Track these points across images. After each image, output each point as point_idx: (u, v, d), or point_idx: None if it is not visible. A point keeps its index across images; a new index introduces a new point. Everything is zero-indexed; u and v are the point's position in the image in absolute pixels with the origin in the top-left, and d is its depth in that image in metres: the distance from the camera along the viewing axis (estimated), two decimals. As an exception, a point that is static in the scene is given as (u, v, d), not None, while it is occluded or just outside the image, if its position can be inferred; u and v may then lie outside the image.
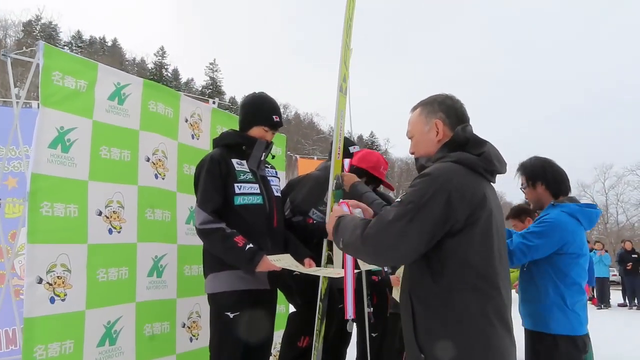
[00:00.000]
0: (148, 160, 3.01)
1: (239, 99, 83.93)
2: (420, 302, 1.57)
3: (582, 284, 2.61)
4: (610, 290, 13.34)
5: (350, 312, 2.28)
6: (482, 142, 1.67)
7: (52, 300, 2.39)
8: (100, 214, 2.68)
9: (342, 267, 2.30)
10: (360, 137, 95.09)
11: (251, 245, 2.38)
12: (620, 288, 13.80)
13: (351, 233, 1.62)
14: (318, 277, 2.51)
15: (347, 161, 2.91)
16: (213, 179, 2.47)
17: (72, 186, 2.55)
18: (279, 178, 2.93)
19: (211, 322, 2.53)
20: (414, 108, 1.84)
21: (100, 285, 2.64)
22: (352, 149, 3.20)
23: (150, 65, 68.08)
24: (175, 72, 72.01)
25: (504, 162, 1.71)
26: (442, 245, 1.51)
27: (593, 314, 11.78)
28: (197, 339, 3.25)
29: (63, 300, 2.44)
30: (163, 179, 3.11)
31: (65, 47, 61.30)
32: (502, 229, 1.69)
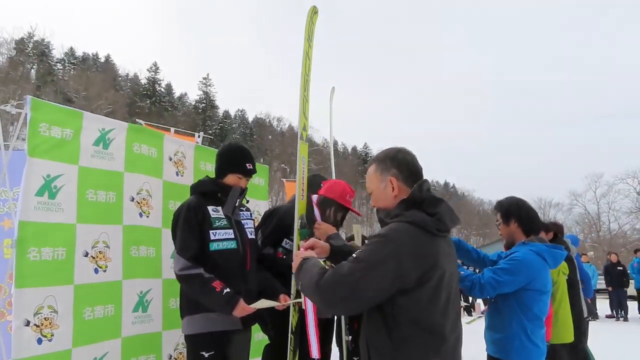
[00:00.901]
0: (132, 200, 3.15)
1: (233, 113, 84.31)
2: (376, 352, 1.71)
3: (543, 318, 2.77)
4: (597, 300, 13.49)
5: (314, 353, 2.42)
6: (437, 202, 1.78)
7: (39, 342, 2.51)
8: (86, 254, 2.81)
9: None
10: (354, 149, 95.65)
11: (228, 290, 2.52)
12: (608, 298, 13.92)
13: (309, 279, 1.73)
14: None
15: (314, 197, 3.05)
16: (190, 227, 2.62)
17: (60, 230, 2.68)
18: (253, 220, 3.08)
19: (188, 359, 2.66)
20: (370, 163, 1.98)
21: (87, 324, 2.76)
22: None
23: (143, 81, 68.20)
24: (169, 87, 72.16)
25: (456, 219, 1.83)
26: (395, 301, 1.64)
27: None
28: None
29: (50, 340, 2.57)
30: (147, 216, 3.25)
31: (58, 64, 61.53)
32: (455, 277, 1.83)
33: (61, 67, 61.68)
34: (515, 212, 2.92)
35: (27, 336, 2.47)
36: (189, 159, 3.67)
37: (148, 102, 63.30)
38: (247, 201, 3.10)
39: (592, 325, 11.75)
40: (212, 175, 2.97)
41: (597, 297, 13.69)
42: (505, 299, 2.76)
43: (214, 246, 2.65)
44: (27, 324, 2.48)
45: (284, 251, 3.13)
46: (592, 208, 52.17)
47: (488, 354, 2.86)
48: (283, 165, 79.35)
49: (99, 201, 2.91)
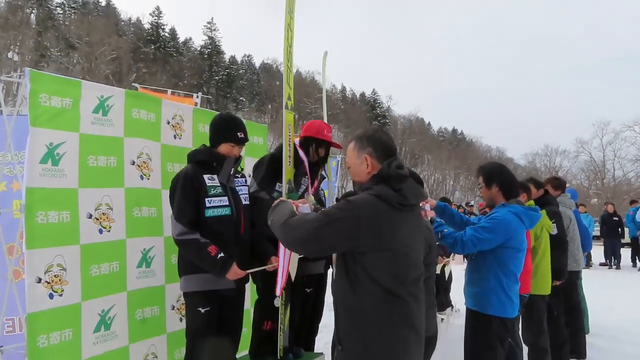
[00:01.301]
0: (133, 163, 3.31)
1: (239, 58, 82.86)
2: (342, 306, 1.99)
3: (518, 274, 2.98)
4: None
5: (278, 290, 2.69)
6: (402, 179, 1.97)
7: (50, 297, 2.75)
8: (90, 216, 3.00)
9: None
10: (362, 95, 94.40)
11: (222, 254, 2.73)
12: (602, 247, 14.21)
13: (279, 218, 2.02)
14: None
15: (296, 140, 3.22)
16: (186, 195, 2.80)
17: (64, 195, 2.86)
18: (248, 186, 3.24)
19: (187, 315, 2.91)
20: (350, 140, 2.16)
21: (94, 279, 3.00)
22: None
23: (146, 26, 66.86)
24: (173, 32, 70.77)
25: (420, 195, 2.02)
26: (356, 261, 1.91)
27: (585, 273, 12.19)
28: (185, 319, 3.64)
29: (60, 295, 2.81)
30: (148, 179, 3.42)
31: (58, 8, 60.25)
32: (417, 247, 2.02)
33: (61, 12, 60.40)
34: (496, 176, 3.08)
35: (39, 292, 2.70)
36: (187, 122, 3.80)
37: (152, 47, 62.25)
38: (242, 168, 3.26)
39: (587, 272, 12.17)
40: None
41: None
42: (484, 256, 2.97)
43: (209, 212, 2.84)
44: (39, 281, 2.71)
45: (278, 195, 3.23)
46: (598, 155, 52.03)
47: (467, 308, 3.10)
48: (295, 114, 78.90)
49: (99, 166, 3.08)
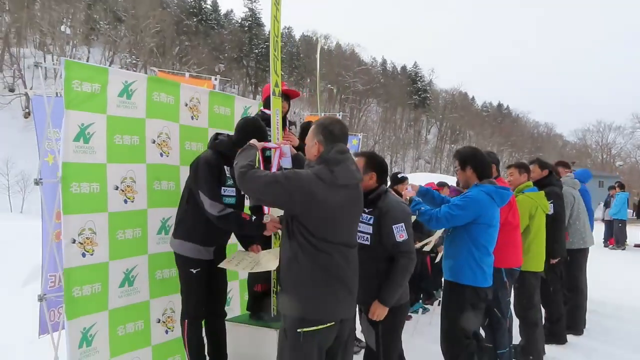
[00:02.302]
0: (154, 142, 3.73)
1: (282, 30, 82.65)
2: (283, 254, 2.55)
3: (489, 247, 3.27)
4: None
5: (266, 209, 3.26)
6: (337, 163, 2.47)
7: (83, 255, 3.24)
8: (117, 188, 3.46)
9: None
10: (404, 68, 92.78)
11: (255, 217, 3.25)
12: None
13: (241, 165, 2.56)
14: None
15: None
16: (214, 179, 3.27)
17: (94, 169, 3.32)
18: None
19: (180, 275, 3.43)
20: (312, 125, 2.65)
21: (120, 243, 3.47)
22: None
23: (189, -2, 67.53)
24: (214, 4, 71.30)
25: (353, 176, 2.53)
26: (293, 220, 2.45)
27: (607, 254, 12.25)
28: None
29: (92, 255, 3.29)
30: (167, 156, 3.84)
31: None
32: (346, 218, 2.53)
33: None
34: (470, 160, 3.35)
35: (74, 251, 3.19)
36: (203, 104, 4.18)
37: (194, 20, 63.02)
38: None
39: (620, 254, 12.17)
40: (226, 119, 3.80)
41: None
42: (458, 232, 3.28)
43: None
44: (74, 241, 3.19)
45: (226, 200, 3.38)
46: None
47: (444, 279, 3.41)
48: (329, 86, 78.67)
49: (124, 144, 3.51)
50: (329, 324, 2.48)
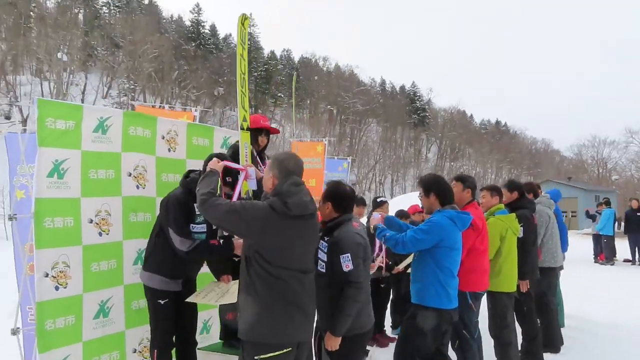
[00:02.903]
0: (130, 175, 3.83)
1: (278, 54, 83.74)
2: (241, 281, 2.71)
3: (453, 270, 3.38)
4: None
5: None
6: (290, 194, 2.61)
7: (56, 288, 3.31)
8: (91, 221, 3.54)
9: None
10: (402, 88, 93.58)
11: (222, 239, 3.34)
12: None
13: (202, 192, 2.71)
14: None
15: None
16: (182, 217, 3.34)
17: (68, 203, 3.41)
18: None
19: (149, 306, 3.48)
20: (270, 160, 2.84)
21: (94, 275, 3.54)
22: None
23: (187, 23, 68.65)
24: (213, 29, 72.36)
25: (306, 207, 2.65)
26: (250, 247, 2.61)
27: (596, 269, 12.31)
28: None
29: (65, 287, 3.36)
30: (144, 188, 3.94)
31: (104, 7, 62.82)
32: (304, 246, 2.69)
33: (107, 11, 62.91)
34: (434, 187, 3.46)
35: (46, 285, 3.26)
36: (181, 136, 4.29)
37: (193, 45, 63.89)
38: None
39: (609, 270, 12.23)
40: (205, 149, 3.85)
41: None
42: (423, 256, 3.39)
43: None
44: (46, 275, 3.26)
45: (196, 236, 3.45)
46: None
47: (412, 302, 3.49)
48: (329, 107, 79.20)
49: (99, 178, 3.61)
50: (285, 350, 2.57)
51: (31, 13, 53.35)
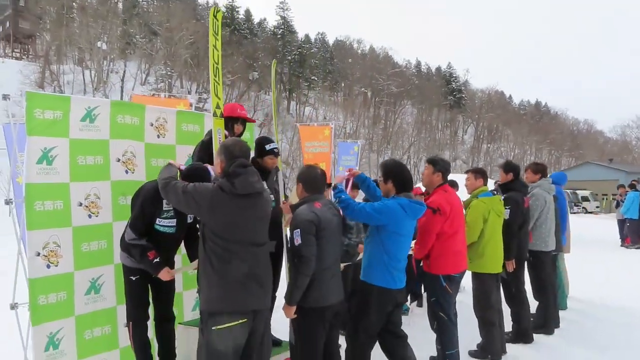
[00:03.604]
0: (119, 160, 4.06)
1: (313, 37, 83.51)
2: (200, 256, 2.94)
3: (398, 254, 3.51)
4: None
5: None
6: (237, 175, 2.85)
7: (47, 267, 3.59)
8: (80, 204, 3.80)
9: None
10: (438, 69, 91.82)
11: (157, 260, 3.45)
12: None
13: (163, 178, 3.10)
14: None
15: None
16: (143, 213, 3.49)
17: (57, 188, 3.66)
18: None
19: (124, 282, 3.70)
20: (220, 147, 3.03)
21: (85, 254, 3.80)
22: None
23: (222, 9, 69.12)
24: (248, 13, 72.78)
25: (252, 186, 2.88)
26: (205, 226, 2.88)
27: (623, 253, 12.03)
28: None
29: (56, 266, 3.63)
30: (133, 172, 4.16)
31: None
32: (254, 221, 2.93)
33: (145, 4, 64.18)
34: (392, 174, 3.53)
35: (38, 263, 3.53)
36: (170, 123, 4.49)
37: (227, 30, 64.44)
38: None
39: (636, 254, 11.93)
40: (195, 135, 4.09)
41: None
42: (373, 237, 3.53)
43: (157, 227, 3.56)
44: (38, 254, 3.53)
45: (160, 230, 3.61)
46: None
47: (360, 279, 3.62)
48: (363, 89, 78.62)
49: (88, 164, 3.84)
50: (241, 320, 2.78)
51: (73, 4, 55.01)
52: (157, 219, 3.54)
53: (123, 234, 3.62)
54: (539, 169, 5.52)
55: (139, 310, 3.64)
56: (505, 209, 4.71)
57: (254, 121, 4.35)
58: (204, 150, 3.90)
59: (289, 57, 69.94)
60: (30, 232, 3.52)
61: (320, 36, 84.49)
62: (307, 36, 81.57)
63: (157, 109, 4.47)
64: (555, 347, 5.02)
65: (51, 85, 47.87)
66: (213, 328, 2.75)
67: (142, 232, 3.50)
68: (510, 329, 5.09)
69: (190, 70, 54.98)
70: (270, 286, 3.04)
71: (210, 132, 3.89)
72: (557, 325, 5.56)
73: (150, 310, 3.79)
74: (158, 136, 4.40)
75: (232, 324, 2.75)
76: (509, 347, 4.85)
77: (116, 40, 53.30)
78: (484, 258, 4.44)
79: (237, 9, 69.56)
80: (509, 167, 5.09)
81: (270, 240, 3.99)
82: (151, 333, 3.84)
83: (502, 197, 4.94)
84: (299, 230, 3.16)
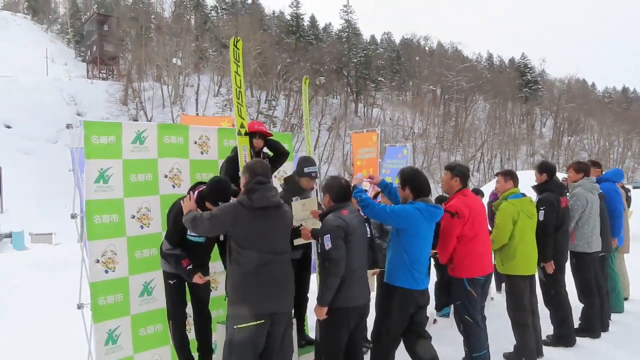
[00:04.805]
0: (166, 177, 4.54)
1: (379, 38, 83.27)
2: (227, 268, 3.39)
3: (419, 256, 3.68)
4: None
5: None
6: (254, 190, 3.23)
7: (106, 272, 4.12)
8: (133, 217, 4.31)
9: None
10: (511, 60, 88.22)
11: (190, 267, 3.85)
12: None
13: (187, 217, 3.51)
14: None
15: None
16: (176, 226, 3.87)
17: (113, 203, 4.19)
18: None
19: (165, 286, 4.13)
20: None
21: (138, 260, 4.31)
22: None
23: (288, 17, 70.83)
24: (313, 20, 73.94)
25: (268, 200, 3.26)
26: (230, 239, 3.27)
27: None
28: (215, 289, 4.82)
29: (114, 271, 4.15)
30: (179, 187, 4.63)
31: (212, 11, 67.14)
32: (273, 232, 3.28)
33: (215, 15, 67.14)
34: (409, 181, 3.70)
35: (98, 269, 4.07)
36: (212, 140, 4.93)
37: (293, 38, 65.91)
38: None
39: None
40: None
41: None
42: (394, 240, 3.73)
43: (189, 238, 3.96)
44: (97, 261, 4.07)
45: (191, 240, 3.98)
46: None
47: (383, 282, 3.81)
48: (432, 86, 77.24)
49: (139, 181, 4.36)
50: (259, 321, 3.11)
51: (150, 25, 58.78)
52: (189, 231, 3.94)
53: (161, 245, 4.07)
54: (582, 168, 5.40)
55: (177, 310, 4.08)
56: (540, 209, 4.69)
57: (271, 135, 4.68)
58: (230, 164, 4.30)
59: (355, 60, 70.24)
60: (90, 242, 4.07)
61: (386, 36, 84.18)
62: (372, 37, 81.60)
63: (200, 128, 4.93)
64: (598, 351, 4.90)
65: (133, 102, 51.39)
66: (235, 327, 3.11)
67: (176, 243, 3.93)
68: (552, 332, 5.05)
69: (259, 80, 56.79)
70: (291, 291, 3.35)
71: (235, 149, 4.28)
72: (606, 329, 5.39)
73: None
74: (202, 152, 4.85)
75: (250, 324, 3.10)
76: (549, 350, 4.81)
77: (190, 56, 56.23)
78: (515, 260, 4.45)
79: (301, 16, 70.88)
80: (543, 168, 5.04)
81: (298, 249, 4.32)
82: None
83: (537, 198, 4.92)
84: (329, 235, 3.41)
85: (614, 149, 73.71)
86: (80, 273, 4.24)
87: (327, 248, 3.41)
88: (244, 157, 4.04)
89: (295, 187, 4.29)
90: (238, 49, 4.15)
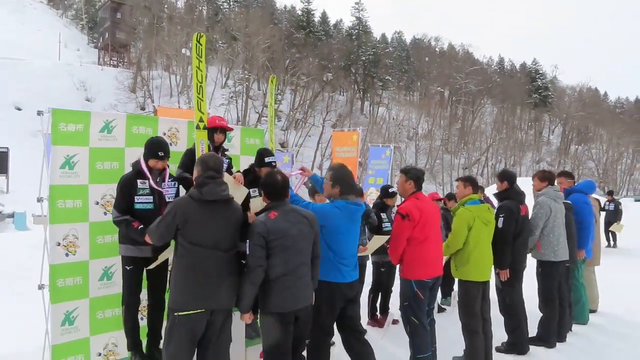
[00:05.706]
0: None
1: (389, 36, 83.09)
2: (174, 260, 3.38)
3: (341, 251, 3.78)
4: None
5: None
6: (204, 184, 3.32)
7: (66, 255, 4.25)
8: (97, 203, 4.44)
9: None
10: (523, 65, 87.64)
11: (141, 226, 3.91)
12: None
13: (147, 230, 3.55)
14: None
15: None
16: (122, 193, 4.04)
17: (77, 189, 4.32)
18: (177, 187, 4.37)
19: (122, 272, 4.22)
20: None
21: (99, 246, 4.44)
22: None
23: (299, 12, 70.80)
24: (324, 16, 73.86)
25: (217, 194, 3.34)
26: (178, 232, 3.30)
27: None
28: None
29: (74, 254, 4.29)
30: (146, 176, 4.75)
31: (224, 3, 67.26)
32: (219, 227, 3.32)
33: (227, 7, 67.26)
34: (340, 180, 3.79)
35: (58, 251, 4.21)
36: (182, 132, 5.05)
37: (303, 33, 65.89)
38: (172, 174, 4.35)
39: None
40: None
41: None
42: (321, 239, 3.76)
43: (136, 205, 4.07)
44: (58, 244, 4.21)
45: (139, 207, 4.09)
46: None
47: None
48: (440, 88, 76.94)
49: (105, 169, 4.49)
50: (197, 310, 3.22)
51: (163, 14, 58.96)
52: (135, 197, 4.04)
53: (119, 230, 4.17)
54: (546, 177, 5.47)
55: (130, 296, 4.19)
56: (500, 217, 4.78)
57: (231, 129, 4.79)
58: (187, 157, 4.43)
59: (363, 58, 70.14)
60: (52, 226, 4.20)
61: (397, 35, 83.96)
62: (383, 36, 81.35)
63: (170, 120, 5.05)
64: (550, 361, 4.96)
65: (142, 90, 51.64)
66: (175, 314, 3.22)
67: (124, 210, 4.02)
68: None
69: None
70: (233, 288, 3.36)
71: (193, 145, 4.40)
72: (562, 340, 5.47)
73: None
74: (171, 144, 4.95)
75: (191, 312, 3.21)
76: (500, 357, 4.90)
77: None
78: (469, 265, 4.53)
79: (312, 12, 70.81)
80: (504, 176, 5.12)
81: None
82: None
83: (497, 206, 5.00)
84: (249, 241, 3.37)
85: (623, 160, 73.09)
86: (42, 255, 4.38)
87: (247, 253, 3.37)
88: (201, 151, 4.15)
89: (253, 179, 4.40)
90: (201, 45, 4.26)
